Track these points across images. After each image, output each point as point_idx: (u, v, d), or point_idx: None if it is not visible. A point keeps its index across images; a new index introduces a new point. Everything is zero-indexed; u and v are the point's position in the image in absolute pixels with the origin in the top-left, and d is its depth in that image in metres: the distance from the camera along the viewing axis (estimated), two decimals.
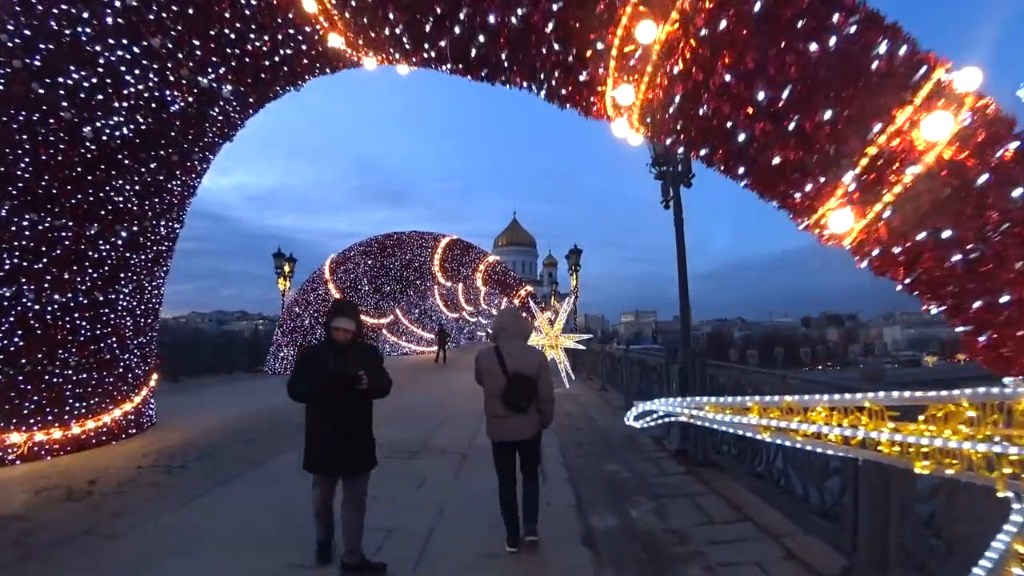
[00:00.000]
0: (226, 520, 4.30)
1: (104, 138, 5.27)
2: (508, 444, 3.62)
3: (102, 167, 5.20)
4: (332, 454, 3.29)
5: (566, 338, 13.10)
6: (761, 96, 2.46)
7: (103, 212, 5.48)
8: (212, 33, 4.99)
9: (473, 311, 35.94)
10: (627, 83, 3.23)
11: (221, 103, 5.97)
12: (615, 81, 3.26)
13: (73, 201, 5.15)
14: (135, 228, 5.92)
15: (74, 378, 6.25)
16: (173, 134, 5.85)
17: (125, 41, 4.79)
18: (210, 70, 5.39)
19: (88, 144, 4.95)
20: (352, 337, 3.31)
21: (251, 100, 6.23)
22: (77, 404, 6.32)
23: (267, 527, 4.14)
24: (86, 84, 4.74)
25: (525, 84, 3.99)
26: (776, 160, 2.49)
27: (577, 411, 9.46)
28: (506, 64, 3.87)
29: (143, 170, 5.61)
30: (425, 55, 4.29)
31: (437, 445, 6.91)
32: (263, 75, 5.61)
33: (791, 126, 2.32)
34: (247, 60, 5.33)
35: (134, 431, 7.40)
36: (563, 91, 3.74)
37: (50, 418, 6.07)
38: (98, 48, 4.64)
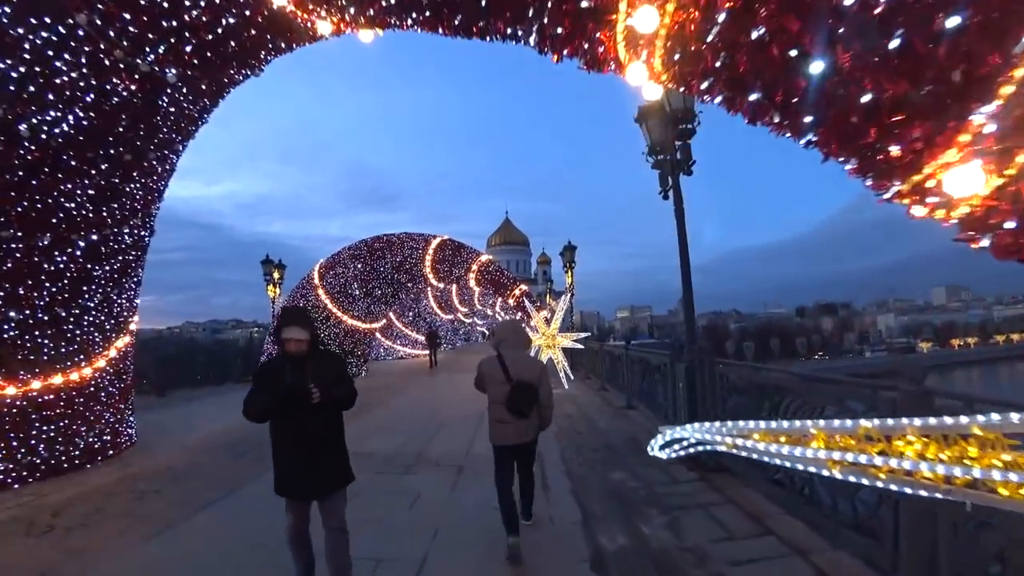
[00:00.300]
0: (200, 554, 3.92)
1: (43, 136, 4.76)
2: (510, 448, 3.76)
3: (46, 170, 4.68)
4: (299, 476, 2.98)
5: (563, 337, 12.73)
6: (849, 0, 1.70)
7: (55, 220, 5.01)
8: (143, 3, 4.53)
9: (468, 312, 35.52)
10: (648, 2, 2.44)
11: (169, 91, 5.43)
12: (631, 1, 2.47)
13: (19, 209, 4.67)
14: (94, 237, 5.48)
15: (39, 400, 5.83)
16: (121, 130, 5.34)
17: (48, 20, 4.31)
18: (148, 50, 4.81)
19: (26, 144, 4.48)
20: (308, 347, 2.97)
21: (203, 87, 5.74)
22: (44, 427, 5.90)
23: (246, 561, 3.76)
24: (13, 75, 4.27)
25: (510, 29, 3.28)
26: (866, 98, 1.77)
27: (577, 413, 9.10)
28: (485, 2, 3.14)
29: (93, 172, 5.10)
30: (384, 3, 3.69)
31: (431, 457, 6.53)
32: (209, 54, 5.12)
33: (894, 44, 1.56)
34: (187, 35, 4.83)
35: (111, 453, 6.99)
36: (559, 29, 2.97)
37: (14, 443, 5.66)
38: (20, 31, 4.18)
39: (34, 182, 4.69)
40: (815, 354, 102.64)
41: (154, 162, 6.01)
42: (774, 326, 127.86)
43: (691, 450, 1.98)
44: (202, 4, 4.54)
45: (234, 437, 7.84)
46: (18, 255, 4.87)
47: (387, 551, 3.80)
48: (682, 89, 3.02)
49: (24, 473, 5.75)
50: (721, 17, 2.11)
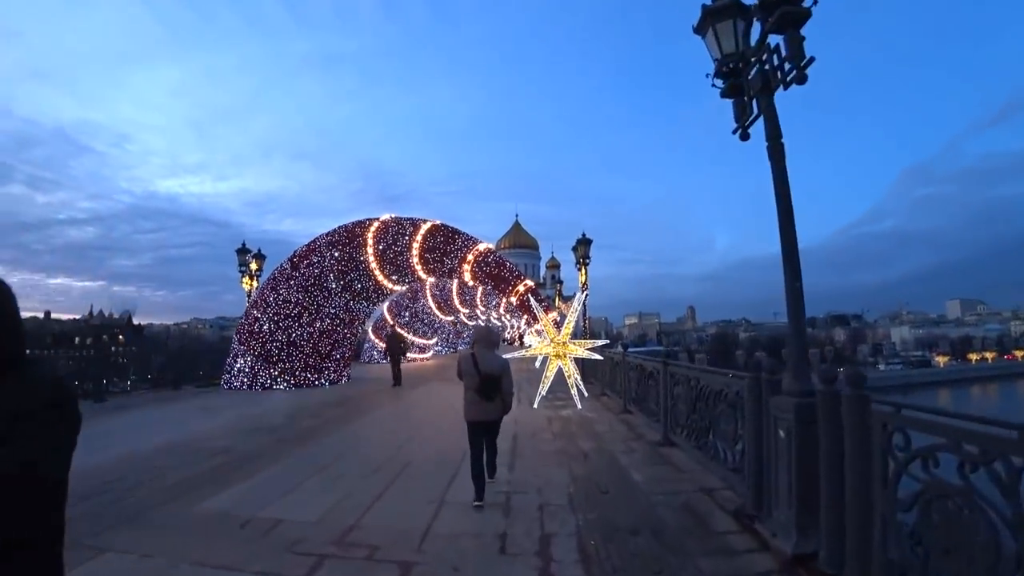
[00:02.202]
0: None
1: None
2: (480, 423, 4.85)
3: None
4: None
5: (576, 345, 10.29)
6: None
7: None
8: None
9: (470, 313, 33.05)
10: None
11: None
12: None
13: None
14: None
15: None
16: None
17: None
18: None
19: None
20: None
21: None
22: None
23: None
24: None
25: None
26: None
27: (596, 451, 6.64)
28: None
29: None
30: None
31: (368, 537, 4.05)
32: None
33: None
34: None
35: None
36: None
37: None
38: None
39: None
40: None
41: None
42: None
43: None
44: None
45: (103, 482, 5.45)
46: None
47: None
48: None
49: None
50: None
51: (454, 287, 27.53)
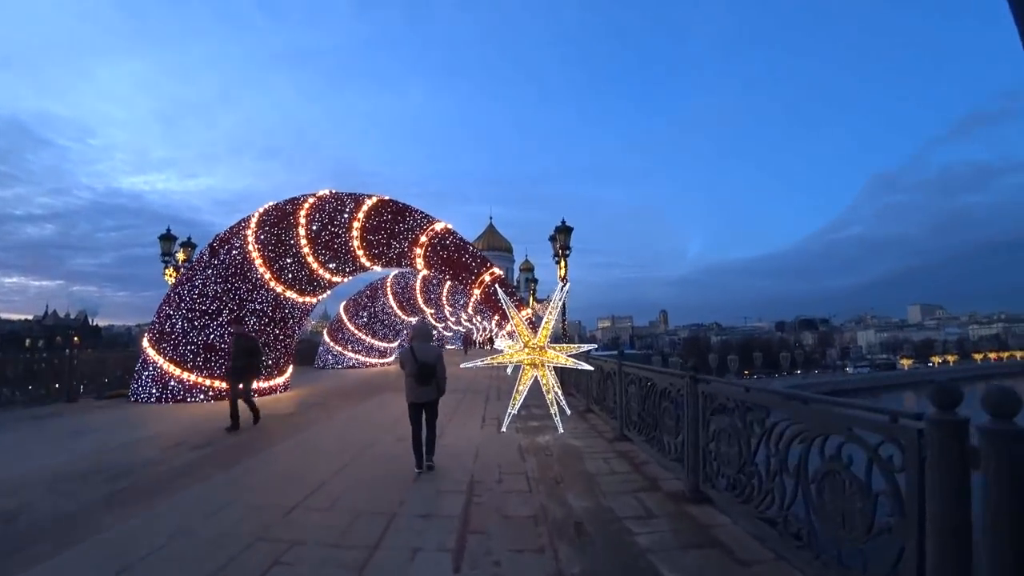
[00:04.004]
0: None
1: None
2: (420, 404, 5.67)
3: None
4: None
5: (557, 351, 8.00)
6: None
7: None
8: None
9: (436, 313, 30.46)
10: None
11: None
12: None
13: None
14: None
15: None
16: None
17: None
18: None
19: None
20: None
21: None
22: None
23: None
24: None
25: None
26: None
27: (595, 519, 4.32)
28: None
29: None
30: None
31: None
32: None
33: None
34: None
35: None
36: None
37: None
38: None
39: None
40: (797, 369, 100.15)
41: None
42: (756, 340, 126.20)
43: None
44: None
45: None
46: None
47: None
48: None
49: None
50: None
51: (417, 284, 24.96)
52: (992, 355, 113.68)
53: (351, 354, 25.56)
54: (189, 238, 18.16)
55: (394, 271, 25.30)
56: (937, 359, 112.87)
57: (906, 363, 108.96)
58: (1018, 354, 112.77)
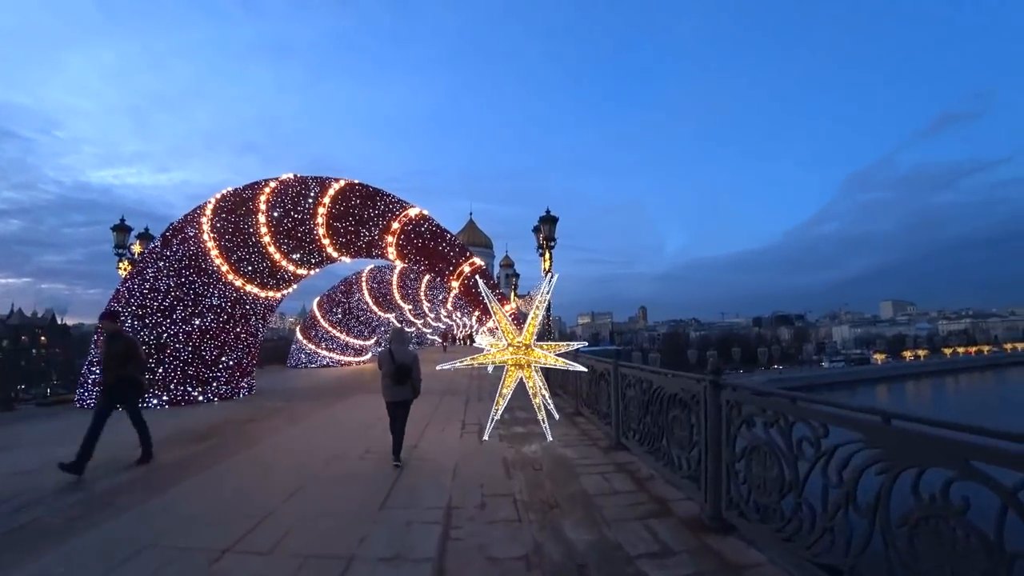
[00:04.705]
0: None
1: None
2: (396, 403, 6.00)
3: None
4: None
5: (544, 349, 7.20)
6: None
7: None
8: None
9: (414, 309, 29.42)
10: None
11: None
12: None
13: None
14: None
15: None
16: None
17: None
18: None
19: None
20: None
21: None
22: None
23: None
24: None
25: None
26: None
27: (600, 557, 3.53)
28: None
29: None
30: None
31: None
32: None
33: None
34: None
35: None
36: None
37: None
38: None
39: None
40: (775, 364, 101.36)
41: None
42: (734, 336, 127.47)
43: None
44: None
45: None
46: None
47: None
48: None
49: None
50: None
51: (394, 278, 23.94)
52: (961, 350, 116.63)
53: (325, 352, 24.46)
54: (147, 229, 16.86)
55: (369, 265, 24.27)
56: (909, 354, 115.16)
57: (879, 358, 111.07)
58: (985, 349, 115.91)
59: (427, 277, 24.93)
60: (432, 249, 11.60)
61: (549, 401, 7.42)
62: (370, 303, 24.44)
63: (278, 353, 26.17)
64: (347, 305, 24.17)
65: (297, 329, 26.68)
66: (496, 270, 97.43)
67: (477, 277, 8.57)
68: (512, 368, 7.14)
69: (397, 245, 11.13)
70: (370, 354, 27.76)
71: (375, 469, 5.70)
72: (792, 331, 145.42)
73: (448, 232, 11.37)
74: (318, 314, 24.31)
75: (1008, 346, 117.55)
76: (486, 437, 7.07)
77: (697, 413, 4.27)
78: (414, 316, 31.16)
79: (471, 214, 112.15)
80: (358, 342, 26.03)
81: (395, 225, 10.85)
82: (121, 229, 15.72)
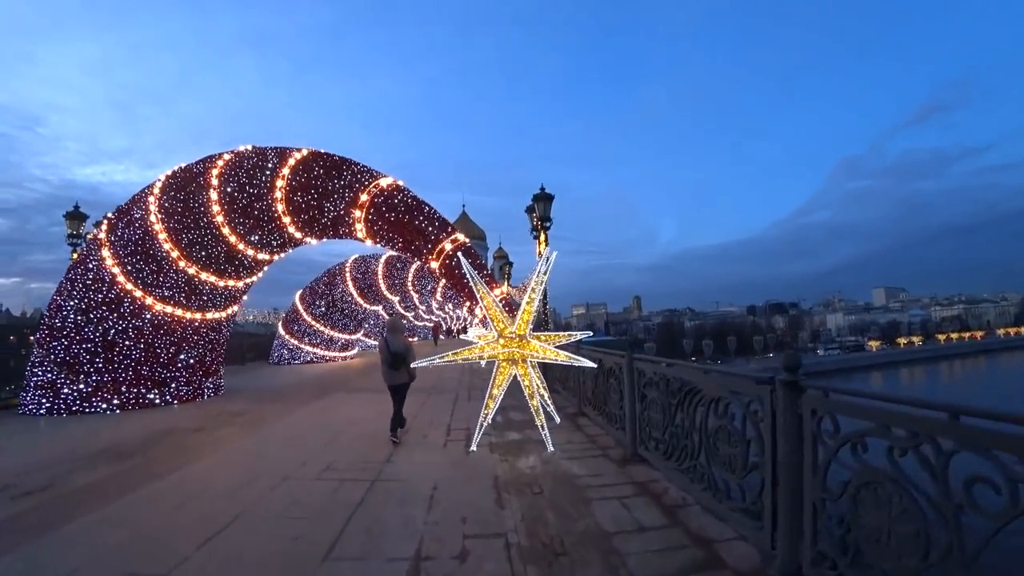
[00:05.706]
0: None
1: None
2: (394, 386, 6.72)
3: None
4: None
5: (542, 341, 6.00)
6: None
7: None
8: None
9: (402, 299, 28.13)
10: None
11: None
12: None
13: None
14: None
15: None
16: None
17: None
18: None
19: None
20: None
21: None
22: None
23: None
24: None
25: None
26: None
27: None
28: None
29: None
30: None
31: None
32: None
33: None
34: None
35: None
36: None
37: None
38: None
39: None
40: (769, 352, 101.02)
41: None
42: (729, 324, 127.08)
43: None
44: None
45: None
46: None
47: None
48: None
49: None
50: None
51: (379, 268, 22.64)
52: (955, 336, 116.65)
53: (308, 348, 23.16)
54: (106, 215, 15.50)
55: (354, 255, 22.97)
56: (903, 340, 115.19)
57: (874, 345, 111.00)
58: (979, 334, 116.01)
59: (415, 266, 23.58)
60: (407, 224, 10.04)
61: (549, 402, 6.24)
62: (355, 295, 23.13)
63: (264, 349, 24.93)
64: (331, 297, 22.86)
65: (279, 324, 25.37)
66: (490, 262, 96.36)
67: (460, 255, 7.33)
68: (504, 364, 5.95)
69: (366, 220, 9.71)
70: (357, 349, 26.48)
71: (332, 495, 4.50)
72: (786, 319, 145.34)
73: (427, 204, 9.87)
74: (300, 307, 22.99)
75: (1001, 331, 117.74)
76: (474, 447, 5.88)
77: (757, 425, 3.09)
78: (404, 308, 29.86)
79: (464, 206, 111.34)
80: (343, 336, 24.73)
81: (363, 197, 9.47)
82: (75, 217, 14.35)
